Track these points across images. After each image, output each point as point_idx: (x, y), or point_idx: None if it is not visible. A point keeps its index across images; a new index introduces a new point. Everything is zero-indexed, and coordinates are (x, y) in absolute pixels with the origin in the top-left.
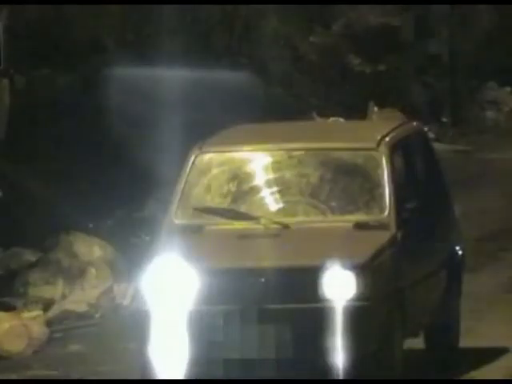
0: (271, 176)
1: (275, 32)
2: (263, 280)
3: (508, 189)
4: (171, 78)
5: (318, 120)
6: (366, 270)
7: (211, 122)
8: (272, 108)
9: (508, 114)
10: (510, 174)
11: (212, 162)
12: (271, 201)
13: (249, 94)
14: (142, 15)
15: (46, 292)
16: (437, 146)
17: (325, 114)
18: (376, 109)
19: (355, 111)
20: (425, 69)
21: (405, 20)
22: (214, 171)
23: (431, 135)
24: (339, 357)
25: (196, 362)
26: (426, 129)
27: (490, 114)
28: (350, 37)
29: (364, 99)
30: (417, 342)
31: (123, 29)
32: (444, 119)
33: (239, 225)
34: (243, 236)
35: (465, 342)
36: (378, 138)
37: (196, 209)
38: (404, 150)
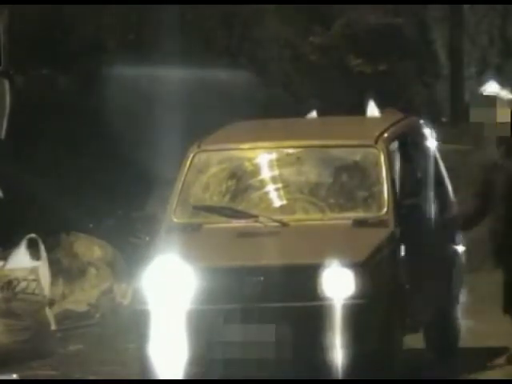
0: (269, 174)
1: (275, 32)
2: (262, 278)
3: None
4: (171, 77)
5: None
6: (364, 268)
7: (211, 121)
8: (272, 108)
9: None
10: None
11: (210, 160)
12: (270, 199)
13: (249, 94)
14: (141, 15)
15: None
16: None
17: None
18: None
19: (355, 111)
20: (425, 69)
21: (405, 20)
22: (213, 169)
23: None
24: (338, 355)
25: (196, 361)
26: (425, 124)
27: None
28: (349, 37)
29: (364, 99)
30: (417, 342)
31: (123, 29)
32: (444, 119)
33: (238, 223)
34: (242, 234)
35: (465, 342)
36: (376, 134)
37: (195, 207)
38: (402, 146)
